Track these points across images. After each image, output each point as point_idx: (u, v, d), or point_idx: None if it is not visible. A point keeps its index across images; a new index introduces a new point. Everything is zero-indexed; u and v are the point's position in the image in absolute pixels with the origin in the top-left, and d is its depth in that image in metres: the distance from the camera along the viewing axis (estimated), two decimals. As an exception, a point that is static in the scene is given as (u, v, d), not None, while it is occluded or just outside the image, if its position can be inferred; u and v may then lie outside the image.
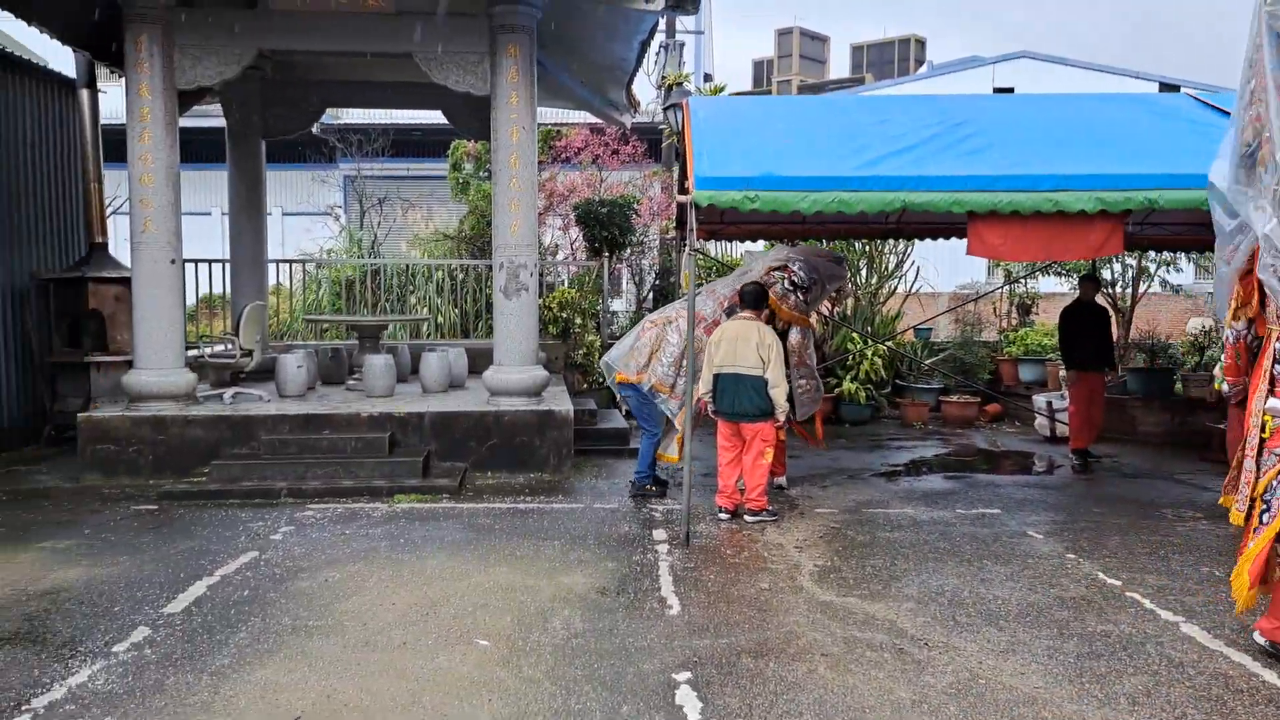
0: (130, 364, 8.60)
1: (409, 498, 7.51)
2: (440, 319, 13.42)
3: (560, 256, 15.02)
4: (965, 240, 6.68)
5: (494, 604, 5.16)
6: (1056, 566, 5.93)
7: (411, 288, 14.01)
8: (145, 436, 8.11)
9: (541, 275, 12.06)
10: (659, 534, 6.63)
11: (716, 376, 6.88)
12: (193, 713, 3.84)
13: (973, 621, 4.96)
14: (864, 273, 13.03)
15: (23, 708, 3.88)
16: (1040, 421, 11.18)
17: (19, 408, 9.46)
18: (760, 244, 11.52)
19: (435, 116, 11.92)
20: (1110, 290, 12.66)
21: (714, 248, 13.44)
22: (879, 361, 11.83)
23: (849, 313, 12.66)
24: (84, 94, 10.04)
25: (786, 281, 7.61)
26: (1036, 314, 14.66)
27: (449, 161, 16.02)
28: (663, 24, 14.81)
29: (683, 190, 6.65)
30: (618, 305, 14.94)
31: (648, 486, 7.72)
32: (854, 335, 12.18)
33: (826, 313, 12.20)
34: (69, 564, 5.80)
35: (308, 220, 20.40)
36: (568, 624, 4.88)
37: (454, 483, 7.78)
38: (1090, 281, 9.54)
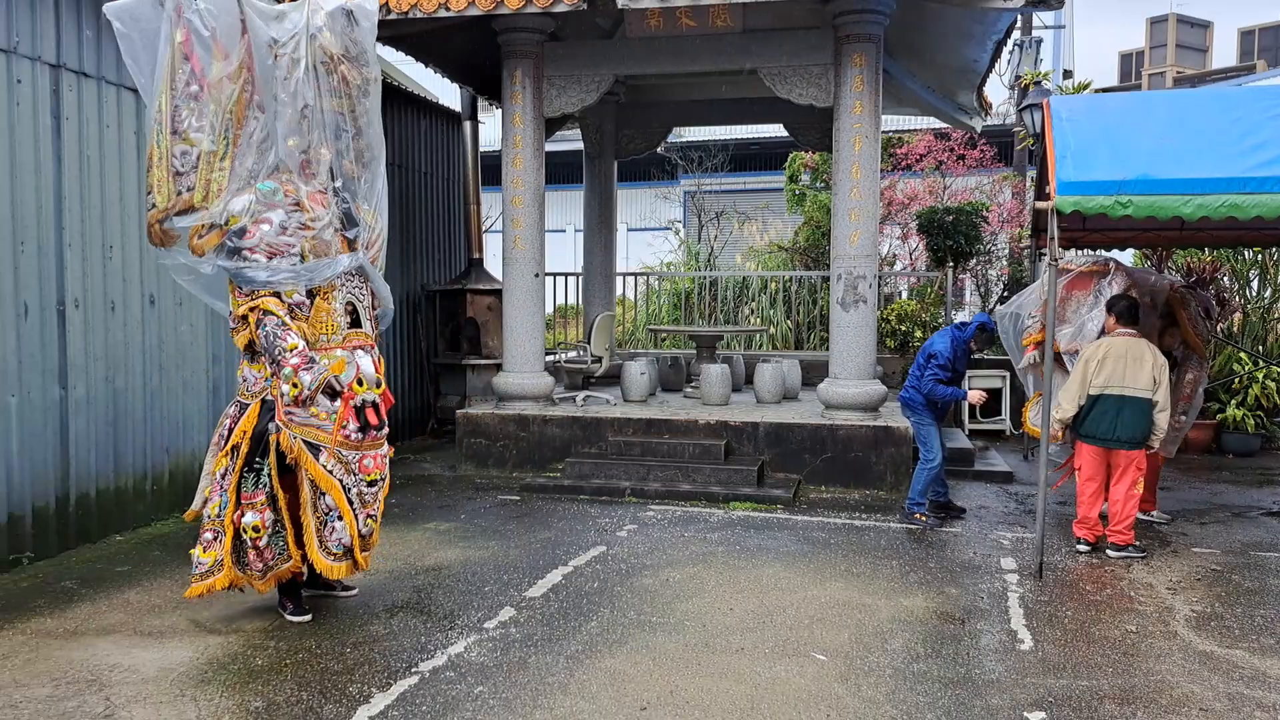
0: (499, 367, 9.49)
1: (744, 505, 7.64)
2: (773, 330, 13.54)
3: (898, 267, 14.63)
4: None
5: (830, 619, 5.11)
6: None
7: (746, 299, 14.27)
8: (510, 433, 8.92)
9: (879, 287, 11.81)
10: (1008, 562, 6.24)
11: (1096, 398, 6.35)
12: (552, 692, 4.15)
13: (1402, 696, 4.19)
14: (1254, 285, 11.48)
15: (411, 670, 4.39)
16: None
17: (410, 403, 10.78)
18: (1129, 253, 10.53)
19: (773, 130, 12.11)
20: None
21: (1072, 256, 12.44)
22: (1271, 385, 10.37)
23: (1236, 330, 11.21)
24: (467, 125, 11.24)
25: (1198, 306, 6.92)
26: None
27: (786, 173, 16.14)
28: (1018, 21, 13.97)
29: (1041, 196, 6.22)
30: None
31: (917, 515, 7.19)
32: (1241, 355, 10.76)
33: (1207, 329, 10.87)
34: (448, 545, 6.49)
35: (649, 235, 21.44)
36: (908, 647, 4.72)
37: (788, 494, 7.81)
38: None
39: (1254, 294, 11.46)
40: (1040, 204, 5.93)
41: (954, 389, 7.12)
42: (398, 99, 10.83)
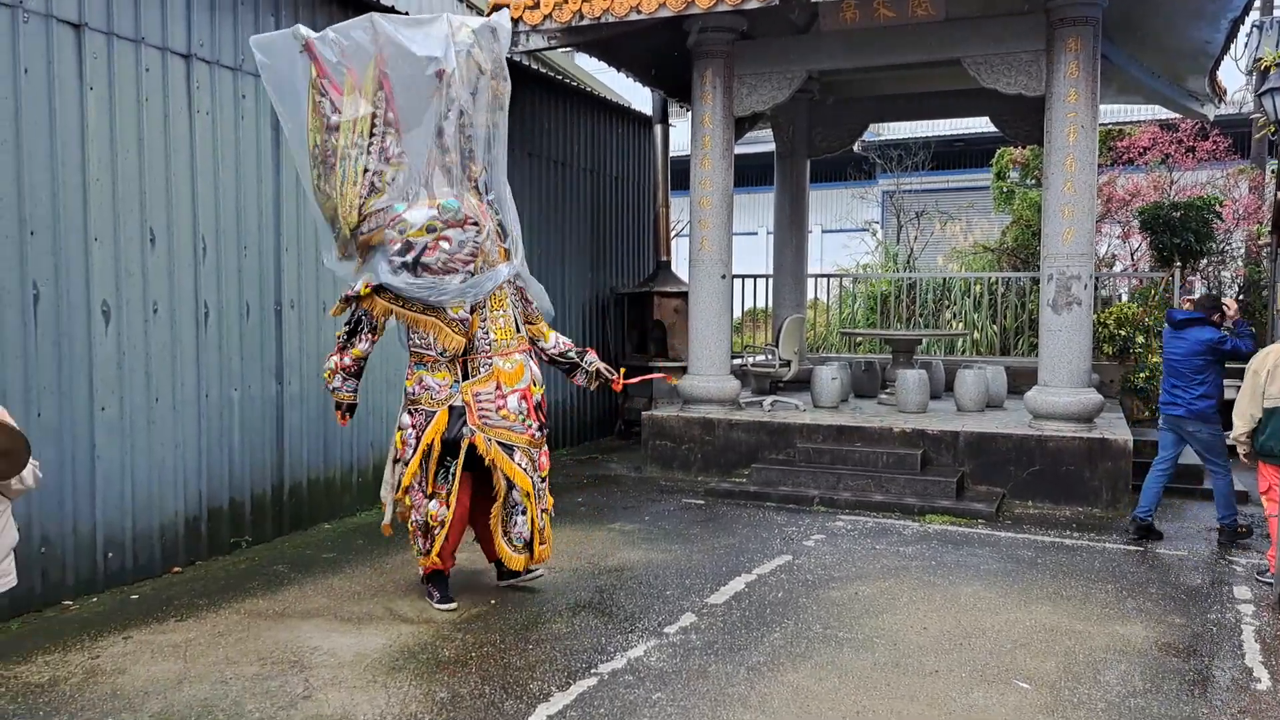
0: (685, 369, 9.44)
1: (941, 519, 7.24)
2: (977, 335, 12.87)
3: (1117, 268, 13.58)
4: None
5: (1035, 644, 4.73)
6: None
7: (947, 302, 13.64)
8: (695, 436, 8.85)
9: (1095, 288, 10.99)
10: (1241, 591, 5.60)
11: (1272, 411, 5.57)
12: (731, 704, 4.02)
13: None
14: None
15: (590, 671, 4.37)
16: None
17: (599, 404, 10.92)
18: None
19: (977, 126, 11.54)
20: None
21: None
22: None
23: None
24: (658, 128, 11.29)
25: None
26: None
27: (992, 170, 15.33)
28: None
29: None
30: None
31: (1240, 528, 6.62)
32: None
33: None
34: (632, 546, 6.48)
35: (845, 237, 20.92)
36: (1125, 680, 4.29)
37: (990, 508, 7.34)
38: None
39: None
40: (1288, 193, 5.28)
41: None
42: (591, 105, 11.01)
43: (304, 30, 4.86)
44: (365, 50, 4.82)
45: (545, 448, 5.25)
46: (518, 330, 5.20)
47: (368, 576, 5.73)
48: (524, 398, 5.06)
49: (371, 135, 4.85)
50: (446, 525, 5.04)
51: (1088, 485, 7.67)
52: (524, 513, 5.10)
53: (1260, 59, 13.94)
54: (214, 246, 6.01)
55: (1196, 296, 8.54)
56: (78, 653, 4.50)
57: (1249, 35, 14.21)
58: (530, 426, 5.08)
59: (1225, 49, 9.35)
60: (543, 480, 5.21)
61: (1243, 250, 13.15)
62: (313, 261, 6.77)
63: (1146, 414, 10.30)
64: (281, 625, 4.90)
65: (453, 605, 5.14)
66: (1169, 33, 8.97)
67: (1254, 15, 13.48)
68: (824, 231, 23.65)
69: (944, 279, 13.75)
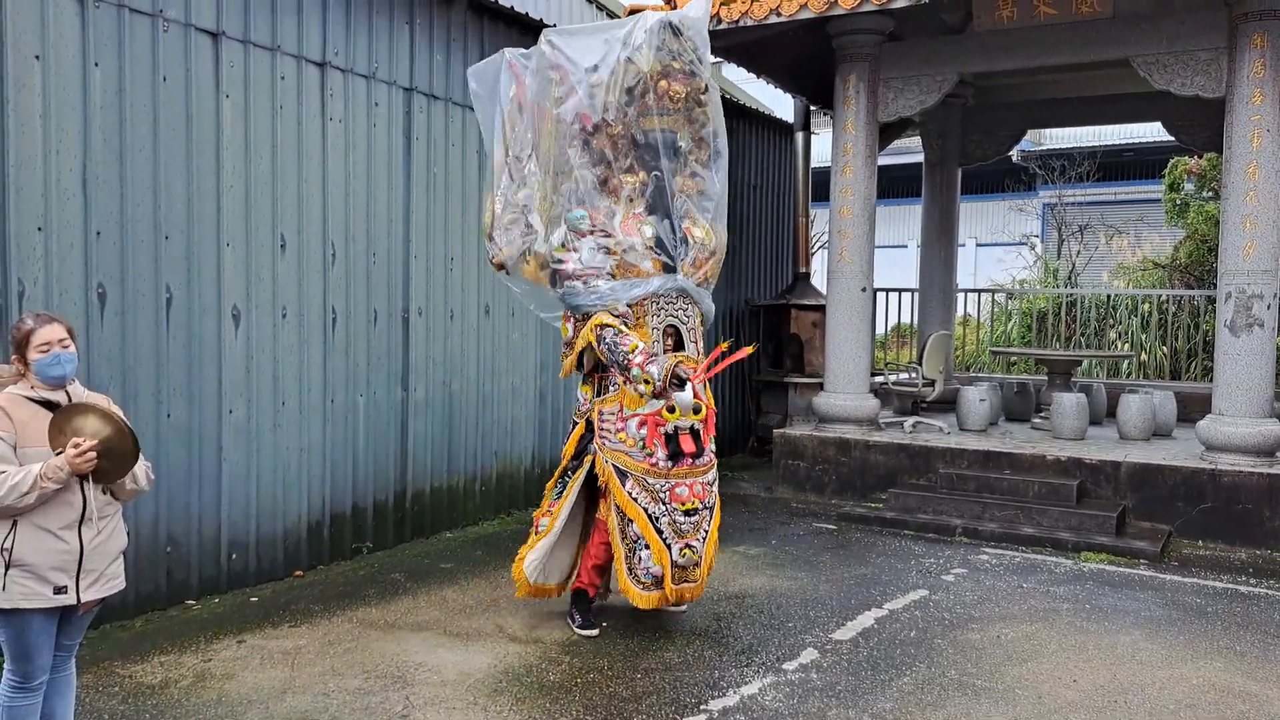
0: (821, 386, 9.05)
1: (1098, 557, 6.62)
2: (1144, 357, 11.94)
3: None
4: None
5: (1203, 706, 4.18)
6: None
7: (1111, 321, 12.74)
8: (830, 456, 8.44)
9: (1281, 309, 10.00)
10: None
11: None
12: (849, 755, 3.68)
13: None
14: None
15: (699, 707, 4.10)
16: None
17: (731, 419, 10.63)
18: None
19: (1147, 134, 10.73)
20: None
21: None
22: None
23: None
24: (799, 136, 10.93)
25: None
26: None
27: (1165, 181, 14.28)
28: None
29: None
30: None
31: None
32: None
33: None
34: (755, 571, 6.17)
35: (1001, 250, 19.93)
36: (1314, 761, 3.72)
37: (1154, 547, 6.67)
38: None
39: None
40: None
41: None
42: (728, 111, 10.74)
43: (510, 52, 5.08)
44: (553, 69, 4.95)
45: (703, 478, 4.79)
46: (680, 348, 4.91)
47: (482, 589, 5.63)
48: (646, 423, 4.70)
49: (548, 154, 4.97)
50: (547, 535, 4.93)
51: (1267, 526, 6.88)
52: (647, 547, 4.69)
53: None
54: (343, 252, 6.06)
55: None
56: (192, 654, 4.55)
57: None
58: (652, 455, 4.68)
59: None
60: (688, 513, 4.72)
61: None
62: (441, 269, 6.78)
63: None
64: (390, 637, 4.84)
65: (594, 631, 4.91)
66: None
67: None
68: (978, 245, 22.65)
69: (1109, 296, 12.84)
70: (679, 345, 4.93)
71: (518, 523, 7.22)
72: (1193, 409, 8.77)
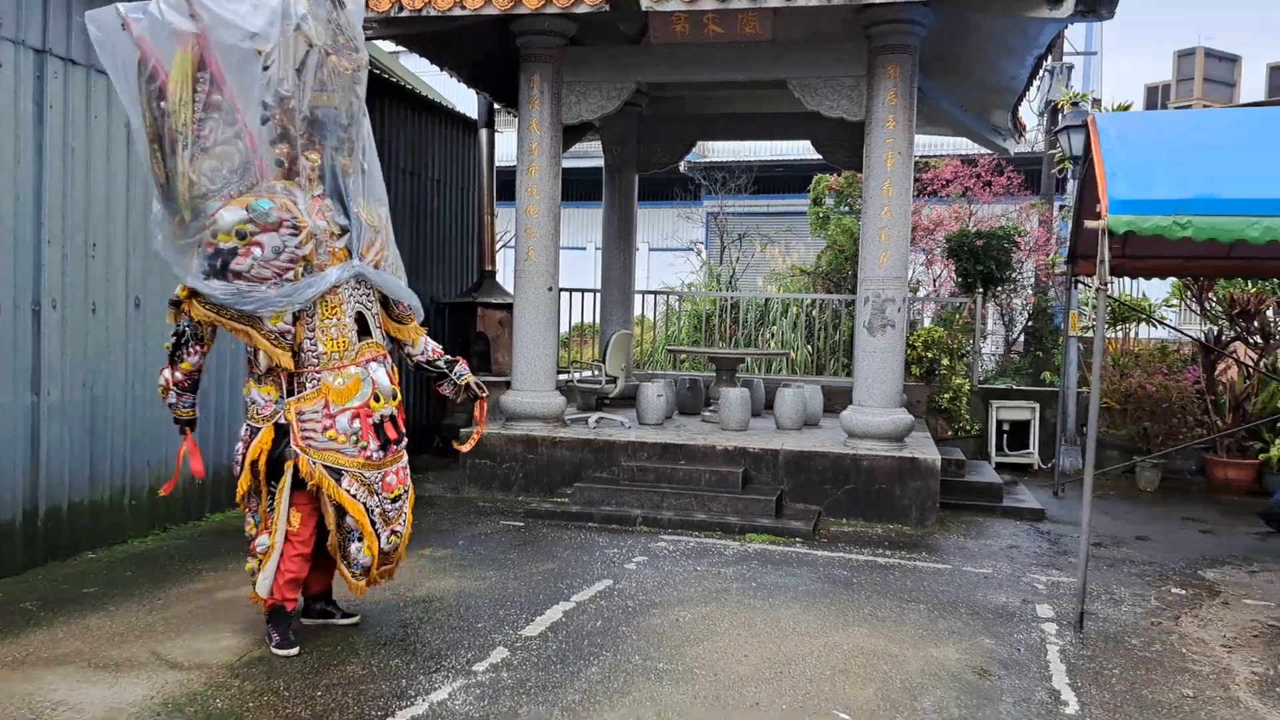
0: (509, 384, 9.06)
1: (761, 538, 7.17)
2: (795, 355, 13.11)
3: (921, 294, 14.18)
4: None
5: (854, 670, 4.64)
6: None
7: (767, 323, 13.85)
8: (517, 454, 8.48)
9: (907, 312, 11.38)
10: (1044, 609, 5.74)
11: None
12: (542, 749, 3.70)
13: None
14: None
15: (386, 719, 3.94)
16: None
17: (414, 418, 10.35)
18: (1168, 282, 10.05)
19: (798, 152, 11.77)
20: None
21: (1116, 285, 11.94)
22: (1319, 425, 9.81)
23: (1282, 365, 10.67)
24: (483, 133, 10.89)
25: None
26: None
27: (810, 196, 15.75)
28: (1061, 37, 13.56)
29: (1090, 216, 5.73)
30: (985, 348, 13.79)
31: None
32: (1287, 393, 10.22)
33: (1251, 364, 10.37)
34: (443, 573, 6.05)
35: (671, 255, 21.09)
36: (940, 707, 4.24)
37: (807, 526, 7.33)
38: None
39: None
40: (1091, 223, 5.46)
41: None
42: (411, 104, 10.50)
43: (123, 7, 4.27)
44: (181, 27, 4.24)
45: (401, 463, 4.75)
46: (363, 339, 4.67)
47: (134, 614, 5.06)
48: (357, 416, 4.51)
49: (196, 121, 4.28)
50: (272, 552, 4.57)
51: (898, 504, 7.80)
52: (360, 538, 4.60)
53: (1052, 102, 14.98)
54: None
55: None
56: None
57: (1040, 81, 15.25)
58: (366, 448, 4.54)
59: (1028, 86, 9.87)
60: (394, 500, 4.70)
61: (1033, 280, 14.01)
62: (81, 256, 6.00)
63: (950, 433, 10.71)
64: (20, 675, 4.21)
65: (293, 650, 4.57)
66: (979, 66, 9.37)
67: (1047, 61, 14.47)
68: (651, 249, 23.78)
69: (765, 299, 13.95)
70: (365, 332, 4.72)
71: (176, 537, 6.59)
72: (835, 401, 9.74)
